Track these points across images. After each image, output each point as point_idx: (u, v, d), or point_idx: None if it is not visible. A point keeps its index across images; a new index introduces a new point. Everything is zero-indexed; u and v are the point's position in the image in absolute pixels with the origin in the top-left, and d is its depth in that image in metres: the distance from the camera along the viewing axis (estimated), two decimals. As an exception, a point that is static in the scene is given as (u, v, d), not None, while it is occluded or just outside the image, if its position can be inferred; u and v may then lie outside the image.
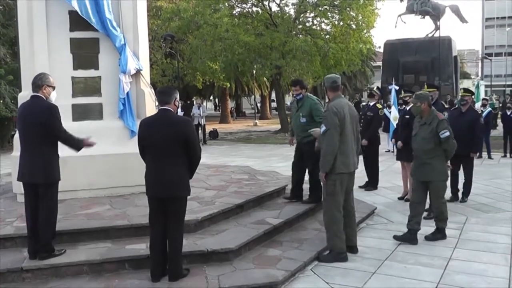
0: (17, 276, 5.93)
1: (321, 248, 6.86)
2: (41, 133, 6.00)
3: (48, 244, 6.10)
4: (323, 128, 6.63)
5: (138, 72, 8.85)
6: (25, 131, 6.13)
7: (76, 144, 6.36)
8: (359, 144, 7.08)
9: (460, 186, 10.11)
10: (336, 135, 6.51)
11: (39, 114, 6.02)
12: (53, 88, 6.37)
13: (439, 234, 7.65)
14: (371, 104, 11.73)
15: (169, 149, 5.66)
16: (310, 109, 8.46)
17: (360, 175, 13.07)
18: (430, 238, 7.58)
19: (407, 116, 9.67)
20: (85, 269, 6.07)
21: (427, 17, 37.07)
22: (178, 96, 5.94)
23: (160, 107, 5.86)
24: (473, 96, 10.66)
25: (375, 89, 12.72)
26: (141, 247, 6.42)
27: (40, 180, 6.05)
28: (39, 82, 6.18)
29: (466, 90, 10.26)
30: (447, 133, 7.34)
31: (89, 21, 8.53)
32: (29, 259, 6.08)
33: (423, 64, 34.03)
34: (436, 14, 35.82)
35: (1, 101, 23.41)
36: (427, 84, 9.62)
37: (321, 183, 7.05)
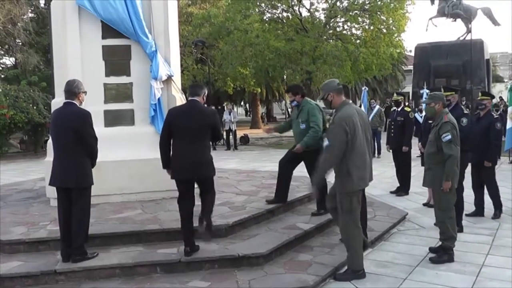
0: (51, 278, 6.03)
1: (339, 264, 6.52)
2: (75, 139, 6.09)
3: (81, 247, 6.20)
4: (326, 142, 6.16)
5: (169, 78, 8.93)
6: (59, 137, 6.22)
7: (95, 160, 6.43)
8: (371, 154, 6.45)
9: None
10: (339, 155, 5.90)
11: (73, 120, 6.12)
12: (85, 92, 6.50)
13: (445, 256, 6.86)
14: (399, 108, 11.57)
15: (198, 134, 6.29)
16: (308, 114, 8.14)
17: (389, 179, 13.04)
18: (435, 260, 6.81)
19: (431, 121, 9.35)
20: (117, 272, 6.14)
21: (459, 20, 36.53)
22: (206, 92, 6.62)
23: (190, 98, 6.48)
24: (492, 100, 10.15)
25: (395, 96, 12.44)
26: (172, 252, 6.47)
27: (73, 185, 6.15)
28: (75, 90, 6.28)
29: (484, 93, 9.59)
30: (449, 137, 6.72)
31: (119, 30, 8.67)
32: (62, 262, 6.18)
33: (455, 67, 33.59)
34: (467, 16, 35.31)
35: (35, 107, 23.85)
36: (444, 87, 9.20)
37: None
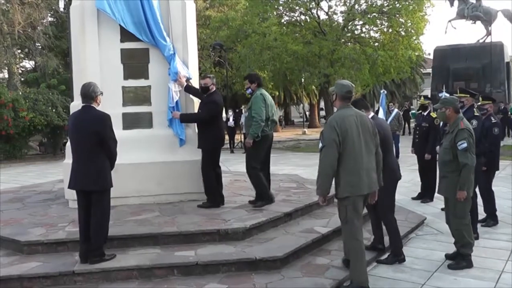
0: (69, 279, 6.08)
1: (344, 276, 6.21)
2: (94, 142, 6.13)
3: (99, 249, 6.24)
4: (320, 144, 5.85)
5: (187, 81, 8.94)
6: (79, 140, 6.26)
7: (114, 162, 6.46)
8: (379, 158, 6.01)
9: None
10: (333, 154, 5.58)
11: (93, 123, 6.16)
12: (101, 93, 6.56)
13: (463, 262, 6.72)
14: (425, 113, 11.39)
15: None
16: (251, 103, 8.24)
17: (408, 183, 12.95)
18: (453, 267, 6.67)
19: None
20: (135, 274, 6.16)
21: (478, 22, 36.20)
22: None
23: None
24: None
25: (422, 99, 12.31)
26: (190, 254, 6.47)
27: (93, 188, 6.19)
28: (92, 93, 6.33)
29: (485, 98, 9.26)
30: (465, 145, 6.46)
31: (135, 34, 8.72)
32: (80, 263, 6.22)
33: (474, 70, 33.25)
34: (487, 19, 34.98)
35: (54, 110, 24.11)
36: (460, 89, 8.98)
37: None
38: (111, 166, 6.37)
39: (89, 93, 6.32)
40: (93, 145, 6.14)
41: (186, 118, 8.64)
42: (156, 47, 8.83)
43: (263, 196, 8.42)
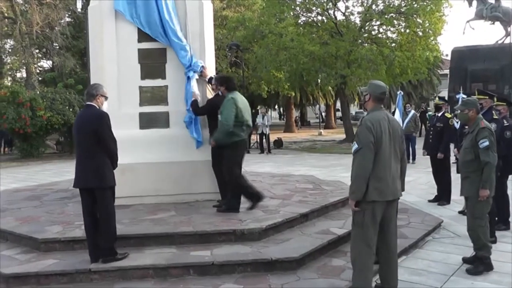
0: (85, 277, 6.11)
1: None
2: (94, 140, 6.13)
3: (110, 248, 6.26)
4: (355, 146, 5.42)
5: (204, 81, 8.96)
6: (79, 139, 6.30)
7: (116, 161, 6.42)
8: (404, 165, 5.76)
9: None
10: (369, 156, 5.28)
11: (91, 121, 6.17)
12: (106, 98, 6.52)
13: (482, 266, 6.54)
14: (439, 114, 11.35)
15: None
16: (222, 106, 7.99)
17: (424, 185, 12.89)
18: (472, 272, 6.50)
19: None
20: (151, 273, 6.17)
21: (497, 23, 35.82)
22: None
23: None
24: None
25: (437, 99, 12.22)
26: (205, 254, 6.47)
27: (94, 185, 6.21)
28: (94, 91, 6.34)
29: (501, 99, 9.03)
30: (486, 143, 6.42)
31: (152, 36, 8.75)
32: (91, 262, 6.24)
33: (493, 72, 32.85)
34: (506, 19, 34.57)
35: (71, 110, 24.35)
36: (478, 90, 8.81)
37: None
38: (113, 166, 6.34)
39: (91, 91, 6.35)
40: (92, 143, 6.15)
41: (193, 106, 8.62)
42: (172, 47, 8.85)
43: (253, 196, 8.29)
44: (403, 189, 5.73)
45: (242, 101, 8.12)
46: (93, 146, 6.16)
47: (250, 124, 8.26)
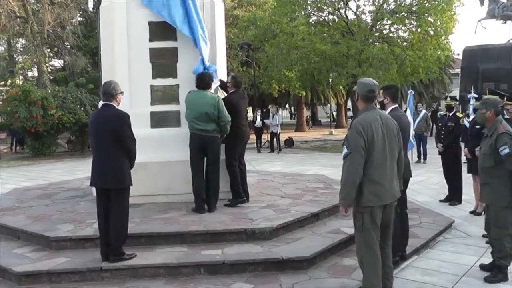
0: (97, 275, 6.14)
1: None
2: (113, 140, 6.14)
3: (117, 249, 6.27)
4: (344, 150, 5.22)
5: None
6: (98, 138, 6.30)
7: (134, 161, 6.45)
8: (401, 166, 5.58)
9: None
10: (359, 161, 5.06)
11: (112, 121, 6.17)
12: (122, 93, 6.55)
13: (500, 274, 6.27)
14: (451, 113, 11.28)
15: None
16: None
17: (435, 185, 12.83)
18: (490, 279, 6.25)
19: (478, 126, 8.70)
20: (162, 271, 6.19)
21: (509, 22, 35.65)
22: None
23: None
24: None
25: (448, 99, 12.12)
26: (216, 253, 6.48)
27: (112, 186, 6.22)
28: (113, 91, 6.32)
29: (510, 98, 8.86)
30: (507, 150, 6.08)
31: (182, 31, 8.72)
32: (102, 261, 6.26)
33: (505, 71, 32.61)
34: (518, 19, 34.47)
35: (82, 108, 24.45)
36: (489, 91, 8.65)
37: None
38: (130, 165, 6.36)
39: (109, 91, 6.32)
40: (112, 143, 6.16)
41: None
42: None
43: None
44: (401, 188, 5.60)
45: (193, 97, 8.31)
46: (113, 146, 6.17)
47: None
